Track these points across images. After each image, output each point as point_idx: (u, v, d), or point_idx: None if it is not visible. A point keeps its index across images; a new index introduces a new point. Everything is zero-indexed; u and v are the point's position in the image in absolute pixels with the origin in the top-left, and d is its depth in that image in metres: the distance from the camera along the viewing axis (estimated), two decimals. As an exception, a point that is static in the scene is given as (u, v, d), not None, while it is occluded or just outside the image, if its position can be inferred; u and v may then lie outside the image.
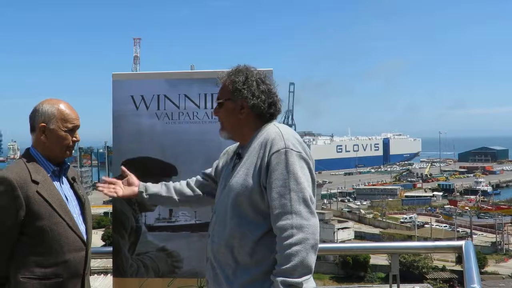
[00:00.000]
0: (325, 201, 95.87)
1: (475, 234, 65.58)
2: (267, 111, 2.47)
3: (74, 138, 2.73)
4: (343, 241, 55.52)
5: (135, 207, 3.60)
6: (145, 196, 2.81)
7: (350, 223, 72.69)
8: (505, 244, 61.92)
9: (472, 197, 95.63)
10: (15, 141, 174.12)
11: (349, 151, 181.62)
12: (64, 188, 2.72)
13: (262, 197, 2.30)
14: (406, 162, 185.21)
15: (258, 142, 2.39)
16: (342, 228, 66.82)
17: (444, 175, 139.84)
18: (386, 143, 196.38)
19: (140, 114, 3.66)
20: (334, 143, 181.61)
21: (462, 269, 3.53)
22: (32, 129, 2.71)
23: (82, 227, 2.72)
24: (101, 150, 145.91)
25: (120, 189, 2.83)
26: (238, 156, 2.52)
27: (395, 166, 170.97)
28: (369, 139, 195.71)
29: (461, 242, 3.82)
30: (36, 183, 2.56)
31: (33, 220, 2.54)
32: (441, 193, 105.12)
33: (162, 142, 3.63)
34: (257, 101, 2.43)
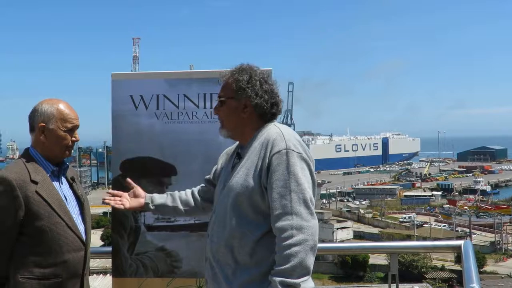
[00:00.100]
0: (324, 200, 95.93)
1: (474, 234, 65.63)
2: (269, 111, 2.47)
3: (74, 138, 2.73)
4: (342, 241, 55.55)
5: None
6: (152, 207, 2.81)
7: (349, 223, 72.80)
8: (504, 243, 62.03)
9: (471, 196, 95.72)
10: (14, 141, 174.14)
11: (348, 151, 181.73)
12: (63, 188, 2.72)
13: (263, 198, 2.30)
14: (405, 161, 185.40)
15: (259, 142, 2.38)
16: (341, 228, 66.91)
17: (443, 174, 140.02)
18: (385, 143, 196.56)
19: (139, 114, 3.65)
20: (333, 143, 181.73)
21: (461, 269, 3.54)
22: (31, 129, 2.71)
23: (81, 227, 2.72)
24: (100, 150, 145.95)
25: (127, 201, 2.82)
26: (237, 156, 2.52)
27: (394, 165, 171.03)
28: (368, 138, 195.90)
29: (460, 242, 3.82)
30: (35, 183, 2.56)
31: (32, 220, 2.53)
32: (440, 193, 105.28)
33: (161, 142, 3.63)
34: (260, 101, 2.43)
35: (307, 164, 2.33)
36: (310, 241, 2.19)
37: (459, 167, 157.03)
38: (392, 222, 76.49)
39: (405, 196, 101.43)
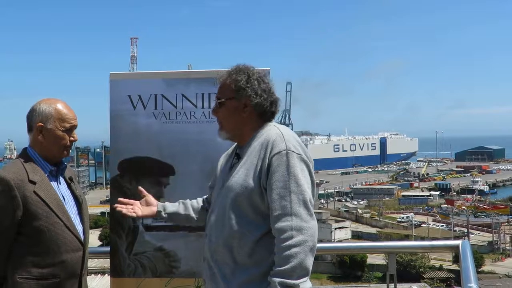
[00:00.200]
0: (322, 200, 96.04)
1: (472, 234, 65.79)
2: (269, 109, 2.47)
3: (72, 138, 2.73)
4: (340, 241, 55.49)
5: (132, 207, 3.59)
6: (164, 215, 2.78)
7: (347, 223, 72.89)
8: (502, 243, 62.15)
9: (469, 196, 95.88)
10: (11, 141, 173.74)
11: (346, 151, 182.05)
12: (61, 188, 2.72)
13: (262, 198, 2.30)
14: (403, 161, 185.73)
15: (258, 143, 2.38)
16: (339, 228, 67.01)
17: (441, 174, 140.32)
18: (383, 143, 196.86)
19: (138, 114, 3.65)
20: (331, 143, 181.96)
21: (459, 269, 3.54)
22: (30, 129, 2.70)
23: (79, 227, 2.71)
24: (98, 150, 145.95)
25: (139, 209, 2.79)
26: (236, 156, 2.51)
27: (392, 165, 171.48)
28: (366, 138, 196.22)
29: (458, 242, 3.82)
30: (33, 183, 2.55)
31: (30, 220, 2.53)
32: (438, 193, 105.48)
33: (160, 141, 3.62)
34: (260, 100, 2.43)
35: (306, 165, 2.33)
36: (309, 242, 2.19)
37: (457, 167, 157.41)
38: (390, 222, 76.63)
39: (403, 196, 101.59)
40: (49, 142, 2.67)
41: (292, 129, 3.26)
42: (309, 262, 2.20)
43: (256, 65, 2.58)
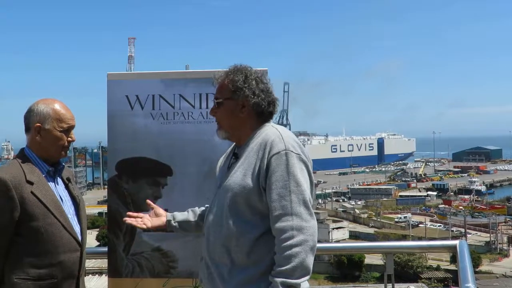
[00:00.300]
0: (320, 201, 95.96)
1: (469, 234, 65.78)
2: (267, 109, 2.47)
3: (70, 138, 2.73)
4: (338, 241, 55.53)
5: (130, 207, 3.60)
6: (174, 224, 2.75)
7: (344, 223, 72.94)
8: (499, 243, 62.18)
9: (466, 196, 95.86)
10: (9, 141, 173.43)
11: (343, 151, 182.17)
12: (58, 189, 2.71)
13: (261, 198, 2.30)
14: (400, 162, 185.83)
15: (256, 143, 2.38)
16: (337, 228, 67.03)
17: (438, 174, 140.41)
18: (380, 143, 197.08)
19: (135, 114, 3.65)
20: (329, 143, 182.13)
21: (456, 269, 3.54)
22: (27, 129, 2.70)
23: (77, 228, 2.71)
24: (95, 150, 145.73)
25: (148, 220, 2.76)
26: (234, 156, 2.51)
27: (389, 166, 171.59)
28: (364, 139, 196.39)
29: (456, 242, 3.83)
30: (31, 183, 2.55)
31: (28, 221, 2.53)
32: (435, 193, 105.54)
33: (157, 142, 3.63)
34: (258, 99, 2.43)
35: (305, 165, 2.33)
36: (310, 242, 2.20)
37: (454, 167, 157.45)
38: (388, 222, 76.63)
39: (401, 196, 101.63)
40: (47, 143, 2.66)
41: (289, 129, 3.26)
42: (310, 261, 2.20)
43: (253, 65, 2.59)
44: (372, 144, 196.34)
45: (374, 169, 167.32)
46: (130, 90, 3.66)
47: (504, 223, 70.78)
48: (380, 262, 46.26)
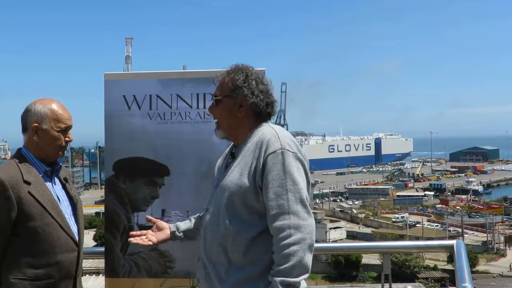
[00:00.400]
0: (317, 200, 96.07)
1: (466, 233, 65.95)
2: (265, 110, 2.47)
3: (67, 138, 2.72)
4: (335, 241, 55.60)
5: (127, 207, 3.60)
6: (179, 234, 2.72)
7: (342, 223, 73.02)
8: (496, 243, 62.31)
9: (463, 196, 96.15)
10: (6, 141, 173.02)
11: (341, 151, 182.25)
12: (56, 189, 2.71)
13: (257, 198, 2.31)
14: (397, 162, 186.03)
15: (253, 142, 2.39)
16: (334, 228, 67.11)
17: (436, 174, 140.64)
18: (378, 143, 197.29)
19: (132, 114, 3.65)
20: (326, 143, 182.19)
21: (453, 268, 3.55)
22: (24, 129, 2.70)
23: (74, 228, 2.71)
24: (92, 150, 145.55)
25: (153, 236, 2.73)
26: (232, 155, 2.52)
27: (387, 166, 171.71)
28: (361, 139, 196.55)
29: (453, 242, 3.83)
30: (28, 183, 2.55)
31: (25, 221, 2.52)
32: (432, 193, 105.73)
33: (154, 142, 3.62)
34: (256, 100, 2.44)
35: (302, 164, 2.34)
36: (308, 240, 2.20)
37: (452, 167, 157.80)
38: (385, 222, 76.77)
39: (398, 196, 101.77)
40: (45, 143, 2.66)
41: (287, 129, 3.24)
42: (308, 259, 2.20)
43: (251, 65, 2.59)
44: (370, 144, 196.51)
45: (371, 169, 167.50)
46: (127, 90, 3.66)
47: (501, 223, 70.95)
48: (377, 262, 46.20)
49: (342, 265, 51.18)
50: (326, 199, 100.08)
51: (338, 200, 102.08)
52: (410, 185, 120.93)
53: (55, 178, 2.75)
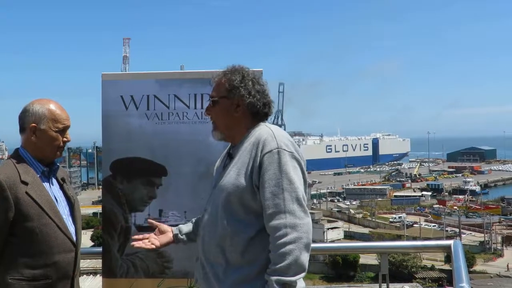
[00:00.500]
0: (315, 201, 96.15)
1: (464, 234, 66.00)
2: (262, 110, 2.48)
3: (65, 139, 2.72)
4: (332, 241, 55.62)
5: (124, 207, 3.59)
6: (181, 237, 2.71)
7: (339, 223, 73.06)
8: (493, 243, 62.43)
9: (461, 196, 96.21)
10: (3, 142, 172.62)
11: (338, 151, 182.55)
12: (53, 189, 2.70)
13: (254, 197, 2.31)
14: (395, 162, 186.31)
15: (250, 142, 2.39)
16: (332, 228, 67.13)
17: (433, 175, 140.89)
18: (375, 143, 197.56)
19: (130, 114, 3.65)
20: (324, 143, 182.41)
21: (451, 268, 3.55)
22: (22, 130, 2.69)
23: (71, 228, 2.70)
24: (90, 150, 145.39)
25: (155, 239, 2.73)
26: (229, 156, 2.52)
27: (384, 166, 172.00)
28: (359, 139, 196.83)
29: (450, 242, 3.84)
30: (26, 184, 2.54)
31: (22, 221, 2.52)
32: (430, 193, 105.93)
33: (152, 142, 3.62)
34: (253, 100, 2.44)
35: (298, 163, 2.34)
36: (304, 239, 2.20)
37: (449, 167, 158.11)
38: (383, 222, 76.87)
39: (395, 196, 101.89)
40: (43, 143, 2.66)
41: (284, 129, 3.24)
42: (305, 258, 2.20)
43: (249, 66, 2.60)
44: (367, 144, 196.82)
45: (369, 169, 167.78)
46: (124, 90, 3.66)
47: (498, 223, 71.13)
48: (375, 262, 46.32)
49: (340, 265, 51.24)
50: (324, 199, 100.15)
51: (336, 200, 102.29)
52: (408, 185, 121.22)
53: (53, 178, 2.75)
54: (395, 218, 77.32)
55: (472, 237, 66.11)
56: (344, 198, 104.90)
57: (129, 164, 3.62)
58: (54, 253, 2.58)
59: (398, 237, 62.05)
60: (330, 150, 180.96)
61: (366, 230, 72.67)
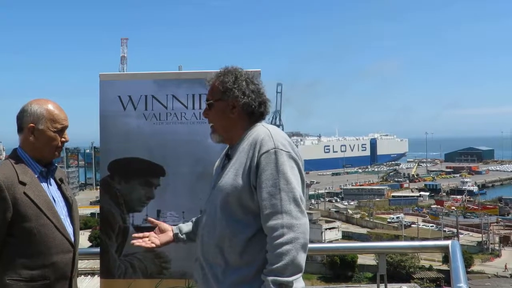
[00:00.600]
0: (313, 201, 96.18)
1: (461, 234, 66.12)
2: (257, 110, 2.48)
3: (63, 139, 2.72)
4: (330, 241, 55.69)
5: (122, 208, 3.59)
6: (182, 236, 2.72)
7: (337, 223, 73.02)
8: (491, 243, 62.49)
9: (458, 197, 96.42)
10: (0, 142, 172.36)
11: (336, 152, 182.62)
12: (51, 189, 2.70)
13: (252, 197, 2.31)
14: (393, 162, 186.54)
15: (248, 143, 2.39)
16: (330, 228, 67.14)
17: (431, 175, 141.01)
18: (373, 144, 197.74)
19: (128, 115, 3.65)
20: (322, 144, 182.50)
21: (448, 269, 3.56)
22: (20, 130, 2.69)
23: (69, 229, 2.70)
24: (88, 151, 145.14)
25: (156, 238, 2.73)
26: (227, 157, 2.52)
27: (382, 166, 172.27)
28: (357, 139, 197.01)
29: (448, 242, 3.85)
30: (24, 184, 2.54)
31: (20, 222, 2.51)
32: (427, 193, 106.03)
33: (150, 142, 3.62)
34: (248, 100, 2.44)
35: (296, 163, 2.34)
36: (301, 239, 2.20)
37: (447, 167, 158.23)
38: (380, 222, 76.89)
39: (393, 196, 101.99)
40: (41, 143, 2.65)
41: (282, 129, 3.26)
42: (301, 259, 2.20)
43: (247, 66, 2.61)
44: (365, 144, 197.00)
45: (366, 170, 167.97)
46: (122, 91, 3.66)
47: (496, 223, 71.21)
48: (373, 262, 46.41)
49: (338, 266, 51.25)
50: (322, 199, 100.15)
51: (334, 201, 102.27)
52: (405, 185, 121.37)
53: (51, 178, 2.75)
54: (393, 218, 77.37)
55: (469, 238, 66.20)
56: (342, 199, 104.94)
57: (127, 164, 3.62)
58: (52, 254, 2.57)
59: (396, 238, 62.10)
60: (328, 151, 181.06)
61: (364, 231, 72.70)
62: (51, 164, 2.75)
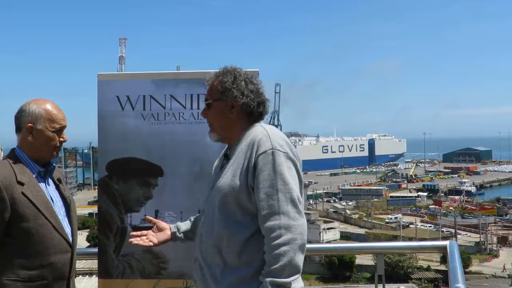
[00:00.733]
0: (311, 201, 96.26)
1: (460, 234, 66.26)
2: (256, 110, 2.48)
3: (61, 139, 2.72)
4: (329, 242, 55.72)
5: (120, 208, 3.59)
6: (179, 235, 2.72)
7: (335, 224, 73.20)
8: (489, 244, 62.60)
9: (456, 197, 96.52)
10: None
11: (334, 152, 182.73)
12: (49, 189, 2.70)
13: (250, 198, 2.31)
14: (391, 162, 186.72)
15: (245, 143, 2.39)
16: (328, 229, 67.26)
17: (429, 175, 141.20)
18: (371, 144, 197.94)
19: (126, 115, 3.64)
20: (320, 144, 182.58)
21: (446, 269, 3.56)
22: (18, 130, 2.68)
23: (67, 229, 2.70)
24: (86, 151, 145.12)
25: (153, 237, 2.73)
26: (226, 157, 2.52)
27: (380, 166, 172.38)
28: (355, 139, 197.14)
29: (446, 242, 3.85)
30: (22, 184, 2.54)
31: (18, 222, 2.51)
32: (425, 194, 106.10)
33: (148, 142, 3.62)
34: (246, 100, 2.44)
35: (293, 163, 2.33)
36: (298, 240, 2.20)
37: (445, 168, 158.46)
38: (378, 222, 77.04)
39: (391, 197, 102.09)
40: (39, 143, 2.65)
41: (281, 130, 3.23)
42: (299, 260, 2.20)
43: (245, 66, 2.60)
44: (363, 145, 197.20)
45: (365, 170, 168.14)
46: (120, 91, 3.65)
47: (493, 224, 71.37)
48: (371, 262, 46.32)
49: (336, 266, 51.30)
50: (320, 199, 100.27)
51: (332, 201, 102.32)
52: (404, 186, 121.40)
53: (49, 178, 2.74)
54: (391, 218, 77.50)
55: (467, 238, 66.31)
56: (340, 199, 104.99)
57: (125, 164, 3.61)
58: (50, 254, 2.57)
59: (394, 238, 62.14)
60: (326, 151, 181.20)
61: (362, 231, 72.80)
62: (49, 164, 2.75)
